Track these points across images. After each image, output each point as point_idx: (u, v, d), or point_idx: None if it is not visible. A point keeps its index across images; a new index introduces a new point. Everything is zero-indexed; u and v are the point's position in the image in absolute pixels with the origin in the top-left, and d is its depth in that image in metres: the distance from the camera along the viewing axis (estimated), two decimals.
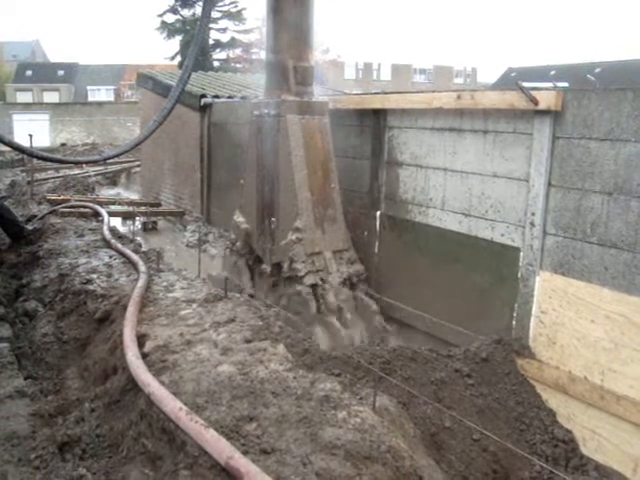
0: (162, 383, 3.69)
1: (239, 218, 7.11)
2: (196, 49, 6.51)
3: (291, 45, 6.42)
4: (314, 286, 6.14)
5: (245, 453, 2.98)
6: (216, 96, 10.75)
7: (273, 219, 6.53)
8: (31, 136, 10.95)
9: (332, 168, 6.51)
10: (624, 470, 4.24)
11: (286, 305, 6.25)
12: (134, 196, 14.48)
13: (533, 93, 4.61)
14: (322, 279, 6.18)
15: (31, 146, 9.24)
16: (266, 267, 6.66)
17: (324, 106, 6.60)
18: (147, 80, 13.04)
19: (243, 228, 7.03)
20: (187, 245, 10.11)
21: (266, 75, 6.78)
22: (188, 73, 6.51)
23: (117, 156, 8.99)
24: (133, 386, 3.98)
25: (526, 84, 4.88)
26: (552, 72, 49.48)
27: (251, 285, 6.98)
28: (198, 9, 39.26)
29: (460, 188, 5.56)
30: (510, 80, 49.32)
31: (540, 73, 48.79)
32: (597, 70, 44.86)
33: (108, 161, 12.22)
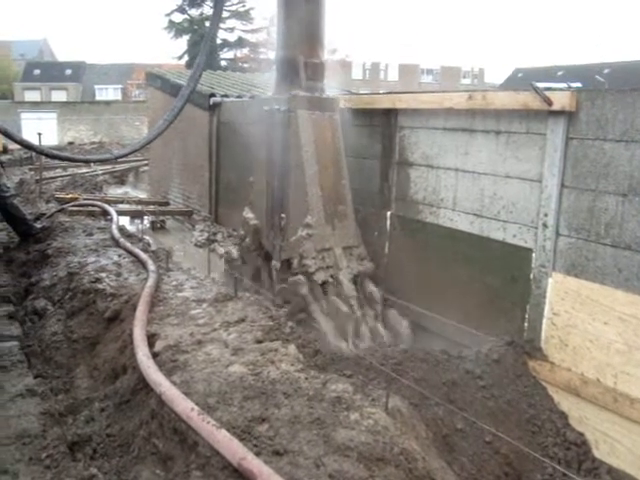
0: (173, 383, 3.68)
1: (248, 214, 7.10)
2: (207, 47, 6.50)
3: (302, 41, 6.41)
4: (324, 283, 6.11)
5: (257, 454, 2.97)
6: (225, 95, 10.73)
7: (283, 215, 6.51)
8: (40, 134, 10.96)
9: (343, 164, 6.48)
10: (637, 474, 4.20)
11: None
12: (142, 195, 14.48)
13: (547, 94, 4.58)
14: (332, 276, 6.16)
15: (40, 145, 9.22)
16: (276, 263, 6.64)
17: (335, 102, 6.58)
18: (156, 79, 13.05)
19: (252, 224, 7.02)
20: (195, 244, 10.09)
21: (276, 71, 6.77)
22: (200, 72, 6.50)
23: (128, 155, 8.99)
24: (144, 386, 3.97)
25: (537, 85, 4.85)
26: (560, 73, 49.31)
27: (263, 281, 6.96)
28: (206, 9, 39.41)
29: (472, 189, 5.53)
30: (517, 81, 49.17)
31: (548, 74, 48.59)
32: (606, 71, 44.68)
33: (116, 160, 12.20)
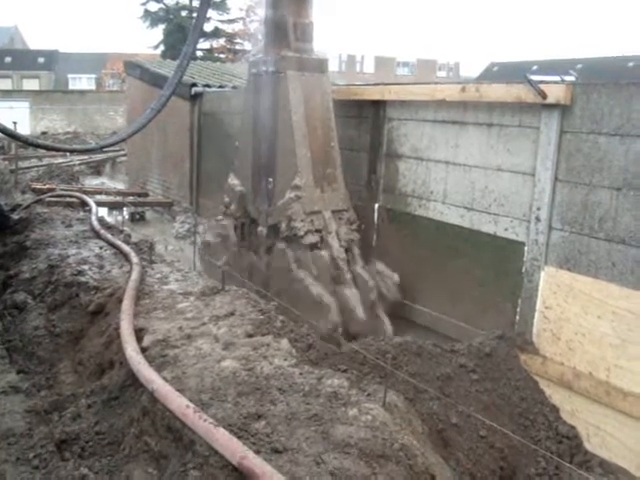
0: (164, 379, 3.58)
1: (233, 181, 6.99)
2: (195, 36, 6.34)
3: (291, 1, 6.29)
4: (314, 246, 6.04)
5: (256, 452, 2.89)
6: (207, 85, 10.57)
7: (270, 179, 6.40)
8: (15, 123, 10.65)
9: (332, 127, 6.38)
10: (629, 466, 4.23)
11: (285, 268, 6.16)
12: (120, 186, 14.25)
13: (541, 86, 4.55)
14: (322, 239, 6.07)
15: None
16: (262, 229, 6.54)
17: (324, 63, 6.48)
18: (135, 68, 12.80)
19: (238, 191, 6.91)
20: (176, 236, 9.94)
21: (265, 32, 6.63)
22: (187, 61, 6.35)
23: (114, 144, 8.78)
24: (133, 382, 3.86)
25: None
26: (534, 67, 49.62)
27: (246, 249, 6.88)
28: None
29: (462, 181, 5.50)
30: (493, 74, 49.38)
31: (522, 68, 48.76)
32: (578, 66, 45.06)
33: (102, 149, 11.95)
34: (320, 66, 6.43)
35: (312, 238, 6.01)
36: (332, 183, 6.32)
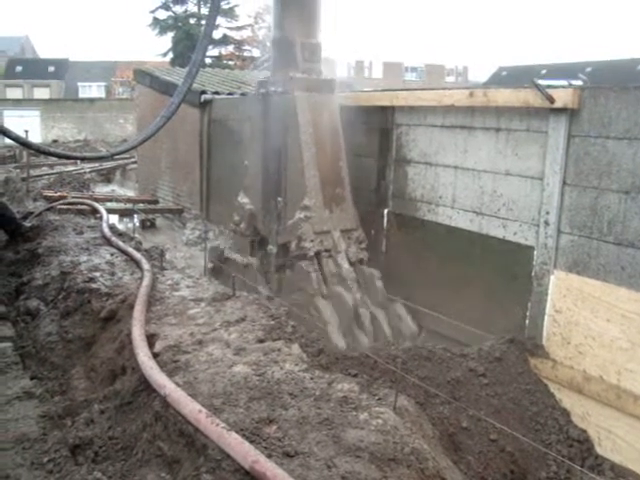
0: (176, 384, 3.61)
1: (243, 199, 7.06)
2: (205, 44, 6.41)
3: (299, 21, 6.34)
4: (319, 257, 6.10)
5: (268, 456, 2.91)
6: (216, 92, 10.63)
7: (279, 199, 6.46)
8: (27, 132, 10.79)
9: (340, 146, 6.43)
10: None
11: (291, 282, 6.21)
12: (130, 193, 14.32)
13: (549, 91, 4.57)
14: (330, 255, 6.13)
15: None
16: (272, 248, 6.60)
17: (332, 84, 6.53)
18: (145, 77, 12.87)
19: (247, 209, 6.97)
20: (187, 243, 9.99)
21: (273, 52, 6.70)
22: (196, 68, 6.41)
23: (125, 152, 8.85)
24: (145, 387, 3.90)
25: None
26: (543, 71, 49.50)
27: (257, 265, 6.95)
28: (190, 5, 39.10)
29: (471, 186, 5.52)
30: (502, 79, 49.34)
31: (531, 72, 48.65)
32: (588, 69, 44.93)
33: (112, 157, 12.04)
34: (328, 86, 6.49)
35: (322, 259, 6.10)
36: (341, 203, 6.39)
